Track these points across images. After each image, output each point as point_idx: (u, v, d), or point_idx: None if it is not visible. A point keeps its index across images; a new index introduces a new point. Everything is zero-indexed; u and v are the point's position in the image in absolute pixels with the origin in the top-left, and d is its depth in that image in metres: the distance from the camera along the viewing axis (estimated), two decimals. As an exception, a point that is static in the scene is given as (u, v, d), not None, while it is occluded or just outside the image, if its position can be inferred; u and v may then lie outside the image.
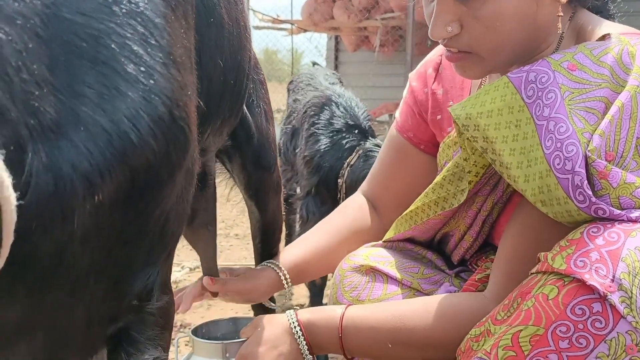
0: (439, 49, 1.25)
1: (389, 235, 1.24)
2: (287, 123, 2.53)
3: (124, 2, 0.69)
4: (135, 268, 0.77)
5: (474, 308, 0.98)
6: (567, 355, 0.76)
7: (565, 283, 0.77)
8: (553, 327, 0.77)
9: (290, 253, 1.31)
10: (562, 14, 0.94)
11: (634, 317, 0.74)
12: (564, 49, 0.93)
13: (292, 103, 2.55)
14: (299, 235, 2.39)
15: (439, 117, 1.22)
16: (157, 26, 0.71)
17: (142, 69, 0.69)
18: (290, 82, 2.83)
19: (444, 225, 1.17)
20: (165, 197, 0.75)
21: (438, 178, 1.12)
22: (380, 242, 1.26)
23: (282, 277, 1.26)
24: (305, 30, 8.15)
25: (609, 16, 1.04)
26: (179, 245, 1.23)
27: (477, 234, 1.12)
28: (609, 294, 0.74)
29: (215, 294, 1.27)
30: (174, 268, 2.69)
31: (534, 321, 0.78)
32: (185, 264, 2.88)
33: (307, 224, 2.25)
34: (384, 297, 1.16)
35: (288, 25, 8.27)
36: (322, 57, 9.25)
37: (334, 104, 2.21)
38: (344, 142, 2.12)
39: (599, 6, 1.03)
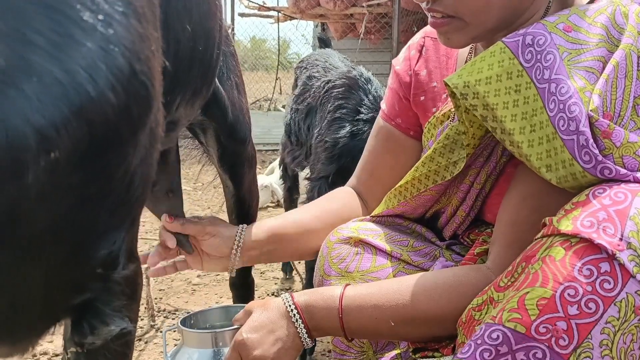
0: (422, 32, 1.24)
1: (377, 211, 1.22)
2: (299, 101, 2.44)
3: None
4: (98, 232, 0.74)
5: (478, 279, 0.96)
6: (576, 323, 0.73)
7: (573, 244, 0.75)
8: (561, 289, 0.74)
9: (267, 221, 1.27)
10: None
11: None
12: (559, 12, 0.92)
13: (307, 80, 2.44)
14: None
15: (422, 98, 1.21)
16: None
17: (100, 17, 0.65)
18: (301, 61, 2.73)
19: (435, 202, 1.15)
20: (128, 157, 0.72)
21: (428, 152, 1.10)
22: (369, 217, 1.24)
23: (237, 236, 1.21)
24: (291, 18, 8.09)
25: None
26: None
27: (470, 208, 1.11)
28: (617, 252, 0.72)
29: (187, 251, 1.21)
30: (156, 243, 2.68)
31: (541, 283, 0.75)
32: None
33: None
34: (373, 269, 1.14)
35: (274, 13, 8.21)
36: (309, 45, 9.21)
37: (361, 90, 2.12)
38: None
39: None
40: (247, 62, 12.81)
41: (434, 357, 1.02)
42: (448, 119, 1.13)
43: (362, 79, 2.14)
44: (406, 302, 0.97)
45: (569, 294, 0.73)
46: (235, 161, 1.39)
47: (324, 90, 2.24)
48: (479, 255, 1.08)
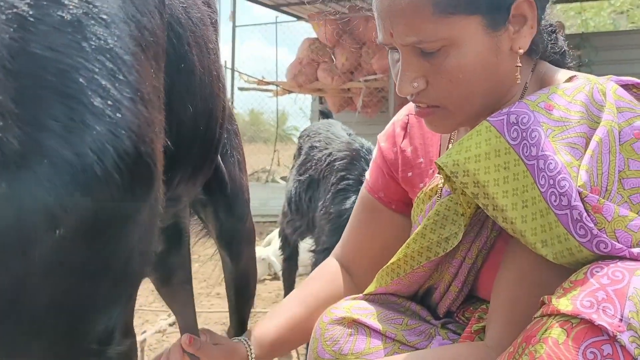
0: (406, 109, 1.27)
1: (370, 289, 1.21)
2: (301, 171, 2.47)
3: (93, 39, 0.70)
4: (96, 307, 0.75)
5: (479, 358, 0.95)
6: None
7: (573, 325, 0.75)
8: None
9: (266, 328, 1.26)
10: (520, 65, 0.97)
11: None
12: (539, 91, 0.95)
13: (309, 150, 2.48)
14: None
15: (409, 174, 1.23)
16: (126, 63, 0.72)
17: (109, 102, 0.69)
18: (304, 130, 2.78)
19: (428, 278, 1.14)
20: (129, 234, 0.74)
21: (419, 228, 1.10)
22: (361, 295, 1.22)
23: (249, 358, 1.21)
24: (290, 92, 8.28)
25: (566, 68, 1.08)
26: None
27: (463, 284, 1.10)
28: (618, 333, 0.72)
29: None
30: (161, 315, 2.61)
31: None
32: (161, 322, 2.83)
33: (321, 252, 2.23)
34: (367, 351, 1.12)
35: (273, 87, 8.41)
36: (307, 118, 9.38)
37: (363, 160, 2.16)
38: None
39: (557, 60, 1.07)
40: (246, 135, 12.97)
41: None
42: (436, 194, 1.14)
43: (364, 150, 2.18)
44: None
45: None
46: (234, 238, 1.39)
47: (326, 163, 2.26)
48: (477, 333, 1.06)
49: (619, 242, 0.80)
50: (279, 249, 2.88)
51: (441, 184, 1.13)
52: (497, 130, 0.90)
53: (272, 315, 1.28)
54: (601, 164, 0.85)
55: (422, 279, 1.14)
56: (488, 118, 0.92)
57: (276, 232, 4.59)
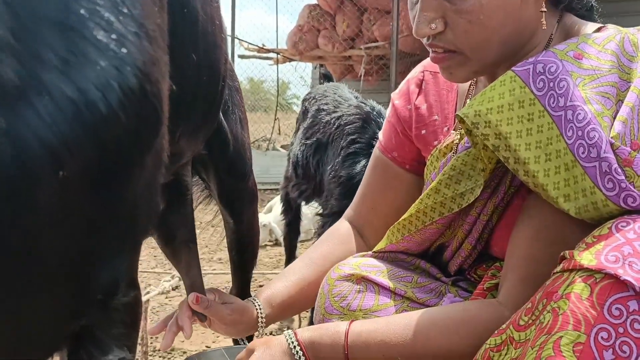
0: (421, 66, 1.24)
1: (380, 246, 1.19)
2: (308, 134, 2.42)
3: None
4: (101, 256, 0.72)
5: (490, 315, 0.93)
6: None
7: (597, 280, 0.72)
8: (594, 332, 0.71)
9: (275, 289, 1.24)
10: (545, 10, 0.94)
11: None
12: (568, 40, 0.92)
13: (316, 113, 2.42)
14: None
15: (423, 131, 1.20)
16: None
17: (113, 36, 0.64)
18: (308, 93, 2.72)
19: (440, 236, 1.13)
20: (135, 180, 0.70)
21: (433, 183, 1.08)
22: (370, 252, 1.21)
23: (259, 319, 1.19)
24: (290, 60, 8.19)
25: (593, 21, 1.04)
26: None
27: (476, 241, 1.08)
28: None
29: (201, 320, 1.20)
30: (165, 277, 2.60)
31: (573, 325, 0.72)
32: (175, 273, 2.82)
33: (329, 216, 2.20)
34: (376, 308, 1.11)
35: (273, 55, 8.32)
36: (308, 87, 9.30)
37: (373, 122, 2.11)
38: None
39: (584, 15, 1.03)
40: (246, 103, 12.88)
41: None
42: (451, 151, 1.12)
43: (375, 113, 2.14)
44: (415, 338, 0.94)
45: (602, 337, 0.71)
46: (236, 197, 1.37)
47: (335, 126, 2.22)
48: (489, 290, 1.04)
49: None
50: (281, 214, 2.86)
51: (457, 140, 1.11)
52: (522, 80, 0.87)
53: (281, 276, 1.26)
54: None
55: (434, 236, 1.13)
56: (513, 68, 0.89)
57: (277, 199, 4.58)
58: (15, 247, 0.62)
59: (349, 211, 1.34)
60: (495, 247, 1.09)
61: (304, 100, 2.70)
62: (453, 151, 1.11)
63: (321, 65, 8.13)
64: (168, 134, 0.83)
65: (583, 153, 0.80)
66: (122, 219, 0.72)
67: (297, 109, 2.80)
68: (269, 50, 8.24)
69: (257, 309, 1.19)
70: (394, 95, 1.27)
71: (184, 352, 2.36)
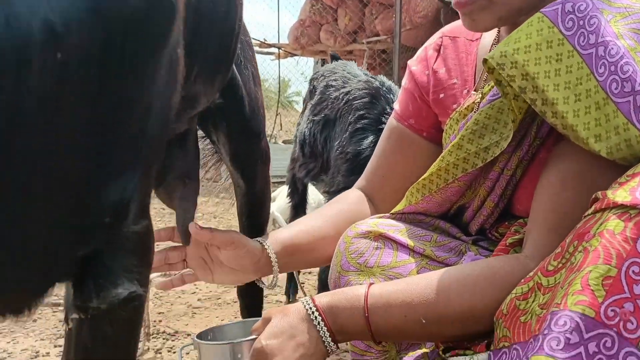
0: (440, 32, 1.23)
1: (398, 207, 1.15)
2: (316, 111, 2.35)
3: None
4: (109, 169, 0.64)
5: (515, 269, 0.89)
6: None
7: (632, 216, 0.69)
8: (625, 266, 0.67)
9: (280, 233, 1.21)
10: None
11: None
12: None
13: (324, 90, 2.34)
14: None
15: (441, 95, 1.18)
16: None
17: None
18: (316, 72, 2.64)
19: (461, 196, 1.09)
20: (146, 78, 0.62)
21: (455, 140, 1.05)
22: (388, 214, 1.17)
23: (271, 257, 1.16)
24: (292, 54, 8.17)
25: None
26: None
27: (499, 197, 1.04)
28: None
29: (186, 266, 1.15)
30: None
31: (604, 259, 0.69)
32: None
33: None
34: (395, 265, 1.07)
35: (276, 50, 8.29)
36: (308, 83, 9.26)
37: (383, 98, 2.04)
38: None
39: None
40: (247, 101, 12.89)
41: (466, 354, 0.94)
42: (471, 111, 1.09)
43: (384, 89, 2.09)
44: (438, 297, 0.90)
45: (633, 272, 0.67)
46: (248, 157, 1.32)
47: (344, 101, 2.17)
48: (512, 246, 1.00)
49: None
50: (287, 196, 2.82)
51: (478, 100, 1.08)
52: (550, 20, 0.85)
53: (289, 226, 1.23)
54: None
55: (455, 196, 1.09)
56: (541, 9, 0.87)
57: (279, 189, 4.55)
58: (9, 135, 0.53)
59: (360, 181, 1.31)
60: (518, 205, 1.06)
61: (312, 79, 2.66)
62: (474, 110, 1.08)
63: (324, 60, 8.11)
64: (184, 68, 0.78)
65: (616, 89, 0.78)
66: (131, 125, 0.64)
67: (298, 106, 2.75)
68: (270, 45, 8.23)
69: (263, 245, 1.15)
70: (411, 62, 1.24)
71: (188, 335, 2.32)
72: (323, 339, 0.93)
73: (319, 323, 0.93)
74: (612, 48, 0.80)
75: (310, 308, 0.95)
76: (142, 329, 2.18)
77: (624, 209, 0.70)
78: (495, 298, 0.86)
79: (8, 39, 0.49)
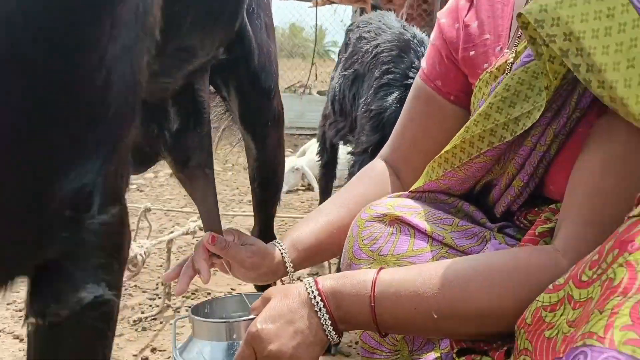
0: None
1: (418, 184, 1.05)
2: (347, 65, 2.23)
3: None
4: (63, 154, 0.54)
5: (543, 264, 0.79)
6: None
7: None
8: None
9: (302, 232, 1.12)
10: None
11: None
12: None
13: (356, 42, 2.23)
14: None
15: (472, 53, 1.06)
16: None
17: None
18: (352, 24, 2.54)
19: (487, 172, 0.98)
20: (103, 38, 0.52)
21: (482, 107, 0.93)
22: (407, 192, 1.06)
23: (286, 264, 1.09)
24: (330, 2, 7.93)
25: None
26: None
27: (530, 177, 0.92)
28: None
29: (220, 264, 1.09)
30: (192, 217, 2.48)
31: None
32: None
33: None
34: (411, 254, 0.97)
35: (313, -3, 8.06)
36: (346, 32, 9.03)
37: (412, 52, 1.91)
38: None
39: None
40: (284, 50, 12.73)
41: None
42: (503, 73, 0.96)
43: (415, 41, 1.93)
44: (454, 291, 0.80)
45: None
46: (259, 117, 1.21)
47: (372, 55, 2.03)
48: (542, 236, 0.88)
49: None
50: (317, 154, 2.70)
51: (511, 60, 0.95)
52: None
53: (309, 218, 1.15)
54: None
55: (480, 172, 0.98)
56: None
57: (310, 142, 4.44)
58: None
59: (385, 148, 1.23)
60: (551, 186, 0.93)
61: (348, 30, 2.52)
62: (506, 72, 0.95)
63: (362, 10, 7.86)
64: (171, 18, 0.65)
65: None
66: (87, 99, 0.53)
67: (335, 56, 2.62)
68: (308, -8, 7.99)
69: (281, 253, 1.09)
70: (441, 13, 1.13)
71: (208, 294, 2.28)
72: (324, 326, 0.86)
73: (320, 309, 0.86)
74: None
75: (313, 292, 0.87)
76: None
77: None
78: (519, 297, 0.77)
79: None
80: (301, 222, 1.15)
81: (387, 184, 1.17)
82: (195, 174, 1.15)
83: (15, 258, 0.57)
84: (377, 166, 1.20)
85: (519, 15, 0.77)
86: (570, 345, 0.62)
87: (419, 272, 0.85)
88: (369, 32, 2.20)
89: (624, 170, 0.78)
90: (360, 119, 2.01)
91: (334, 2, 8.01)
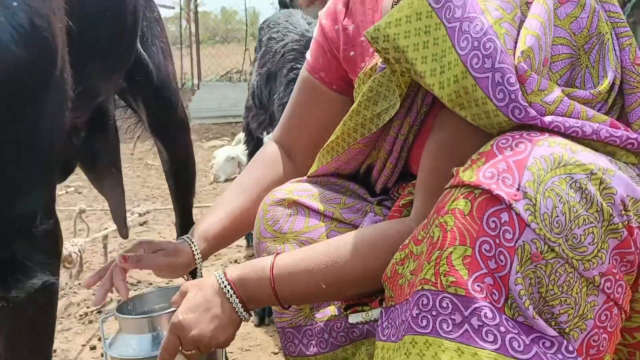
0: None
1: (312, 169, 1.21)
2: (261, 65, 2.38)
3: None
4: (18, 185, 0.77)
5: (400, 232, 0.95)
6: (498, 276, 0.74)
7: (476, 195, 0.75)
8: (478, 244, 0.75)
9: (209, 223, 1.25)
10: None
11: (538, 224, 0.73)
12: None
13: (267, 42, 2.38)
14: None
15: (351, 53, 1.19)
16: None
17: None
18: (264, 22, 2.62)
19: (367, 156, 1.16)
20: (38, 110, 0.75)
21: (354, 105, 1.10)
22: (305, 177, 1.24)
23: (195, 255, 1.21)
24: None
25: None
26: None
27: (397, 159, 1.11)
28: (514, 202, 0.73)
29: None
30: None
31: (460, 240, 0.76)
32: (135, 210, 2.87)
33: None
34: (306, 230, 1.14)
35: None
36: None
37: None
38: None
39: None
40: (218, 34, 12.64)
41: (363, 310, 1.03)
42: (375, 72, 1.12)
43: None
44: (335, 263, 0.97)
45: (485, 249, 0.74)
46: (166, 126, 1.40)
47: (281, 54, 2.20)
48: (405, 207, 1.07)
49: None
50: (243, 143, 2.87)
51: (380, 62, 1.11)
52: None
53: (215, 207, 1.28)
54: (550, 34, 0.85)
55: (361, 156, 1.16)
56: None
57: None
58: None
59: (276, 131, 1.34)
60: (414, 166, 1.12)
61: (260, 29, 2.66)
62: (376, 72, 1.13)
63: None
64: (75, 69, 0.85)
65: (477, 64, 0.81)
66: (30, 146, 0.76)
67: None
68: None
69: (192, 247, 1.20)
70: (322, 14, 1.24)
71: (150, 284, 2.45)
72: (236, 309, 0.99)
73: (231, 296, 0.99)
74: (477, 24, 0.81)
75: (223, 282, 1.00)
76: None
77: (470, 189, 0.76)
78: (384, 262, 0.92)
79: None
80: (208, 212, 1.27)
81: (279, 164, 1.29)
82: (103, 174, 1.33)
83: None
84: (270, 150, 1.31)
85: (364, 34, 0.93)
86: (412, 289, 0.82)
87: (306, 253, 1.01)
88: (277, 32, 2.36)
89: (454, 152, 0.91)
90: (276, 112, 2.20)
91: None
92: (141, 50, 1.26)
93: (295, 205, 1.17)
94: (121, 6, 1.11)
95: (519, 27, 0.84)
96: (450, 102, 0.84)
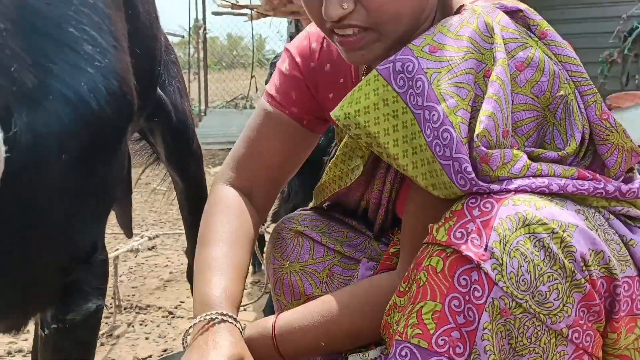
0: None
1: (314, 203, 1.31)
2: None
3: None
4: (87, 223, 0.91)
5: (388, 287, 0.98)
6: (465, 331, 0.79)
7: (448, 254, 0.80)
8: (447, 300, 0.79)
9: (233, 290, 1.06)
10: None
11: (505, 283, 0.77)
12: (425, 32, 0.93)
13: None
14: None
15: (331, 95, 1.17)
16: (107, 15, 0.89)
17: (98, 49, 0.85)
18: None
19: (360, 198, 1.22)
20: (113, 160, 0.91)
21: (334, 158, 1.15)
22: (309, 208, 1.33)
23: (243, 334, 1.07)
24: (265, 15, 8.11)
25: None
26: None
27: (385, 211, 1.17)
28: (482, 262, 0.77)
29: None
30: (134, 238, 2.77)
31: (431, 296, 0.81)
32: (144, 234, 2.93)
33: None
34: (311, 262, 1.24)
35: (248, 11, 8.24)
36: (284, 42, 9.28)
37: None
38: None
39: None
40: (224, 60, 12.80)
41: (360, 351, 1.08)
42: None
43: None
44: (330, 322, 1.01)
45: (454, 305, 0.79)
46: (182, 158, 1.51)
47: None
48: (394, 255, 1.11)
49: (499, 184, 0.84)
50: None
51: None
52: (384, 78, 0.89)
53: (228, 272, 1.08)
54: (508, 105, 0.86)
55: (356, 192, 1.22)
56: (377, 66, 0.90)
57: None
58: (28, 217, 0.83)
59: (227, 175, 1.20)
60: (402, 216, 1.16)
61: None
62: None
63: (296, 24, 8.08)
64: None
65: (440, 152, 0.84)
66: (103, 192, 0.93)
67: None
68: (242, 7, 8.16)
69: (239, 330, 1.03)
70: (293, 49, 1.18)
71: (159, 308, 2.52)
72: None
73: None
74: (434, 114, 0.84)
75: None
76: (114, 301, 2.38)
77: (442, 247, 0.81)
78: (374, 316, 0.96)
79: (35, 148, 0.79)
80: (230, 279, 1.06)
81: (246, 212, 1.16)
82: (117, 204, 1.46)
83: (56, 282, 0.93)
84: (229, 195, 1.17)
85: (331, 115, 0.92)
86: (393, 338, 0.89)
87: (303, 314, 1.03)
88: None
89: (433, 214, 0.90)
90: None
91: (267, 15, 8.21)
92: (160, 92, 1.37)
93: (301, 236, 1.27)
94: (155, 59, 1.25)
95: (476, 109, 0.85)
96: (424, 182, 0.88)
